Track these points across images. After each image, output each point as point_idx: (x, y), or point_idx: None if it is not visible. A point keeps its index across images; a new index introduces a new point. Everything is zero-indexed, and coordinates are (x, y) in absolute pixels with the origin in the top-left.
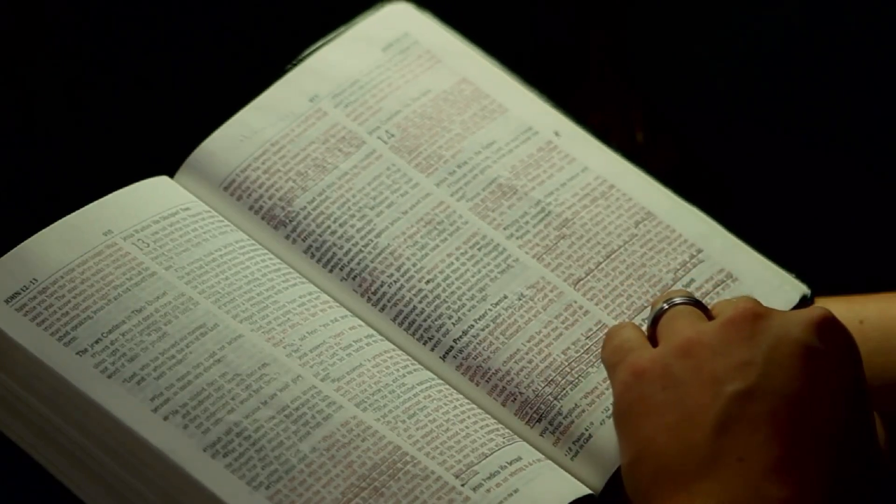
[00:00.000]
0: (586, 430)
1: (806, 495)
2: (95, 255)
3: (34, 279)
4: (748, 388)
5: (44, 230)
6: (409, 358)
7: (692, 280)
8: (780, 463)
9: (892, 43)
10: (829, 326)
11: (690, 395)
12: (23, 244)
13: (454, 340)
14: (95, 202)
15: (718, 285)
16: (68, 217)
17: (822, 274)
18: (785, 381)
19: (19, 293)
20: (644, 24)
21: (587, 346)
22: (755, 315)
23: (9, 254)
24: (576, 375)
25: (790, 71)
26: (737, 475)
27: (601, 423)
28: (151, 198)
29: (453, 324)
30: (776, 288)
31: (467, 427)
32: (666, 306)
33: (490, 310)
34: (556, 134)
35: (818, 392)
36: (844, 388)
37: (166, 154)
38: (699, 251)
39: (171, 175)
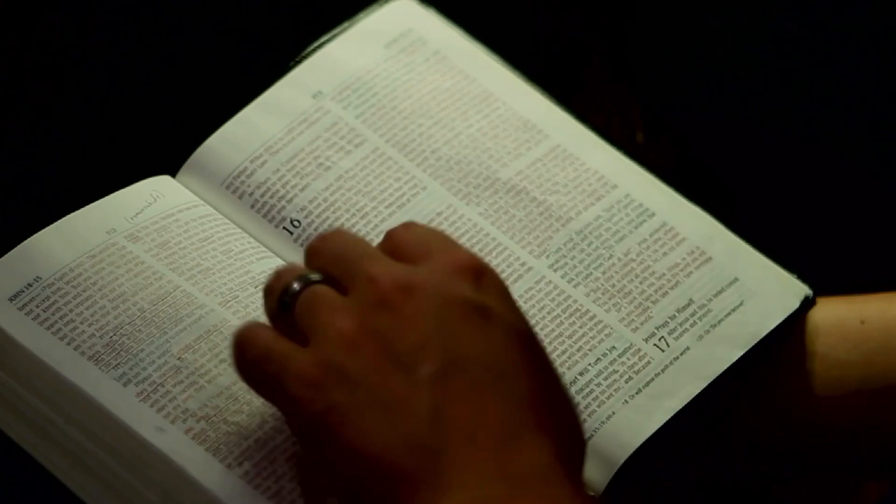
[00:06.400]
0: (587, 428)
1: (545, 450)
2: (98, 254)
3: (37, 277)
4: (440, 367)
5: (46, 229)
6: None
7: (694, 281)
8: (505, 429)
9: (892, 43)
10: (476, 271)
11: (384, 388)
12: (25, 243)
13: None
14: (98, 201)
15: (720, 286)
16: (71, 216)
17: (823, 273)
18: (469, 348)
19: (22, 292)
20: (644, 25)
21: (591, 346)
22: (403, 289)
23: (11, 252)
24: (573, 375)
25: (791, 72)
26: (470, 456)
27: (601, 424)
28: (154, 197)
29: None
30: (778, 289)
31: None
32: (297, 286)
33: None
34: (563, 136)
35: (503, 345)
36: (520, 329)
37: (169, 153)
38: (702, 253)
39: (174, 174)
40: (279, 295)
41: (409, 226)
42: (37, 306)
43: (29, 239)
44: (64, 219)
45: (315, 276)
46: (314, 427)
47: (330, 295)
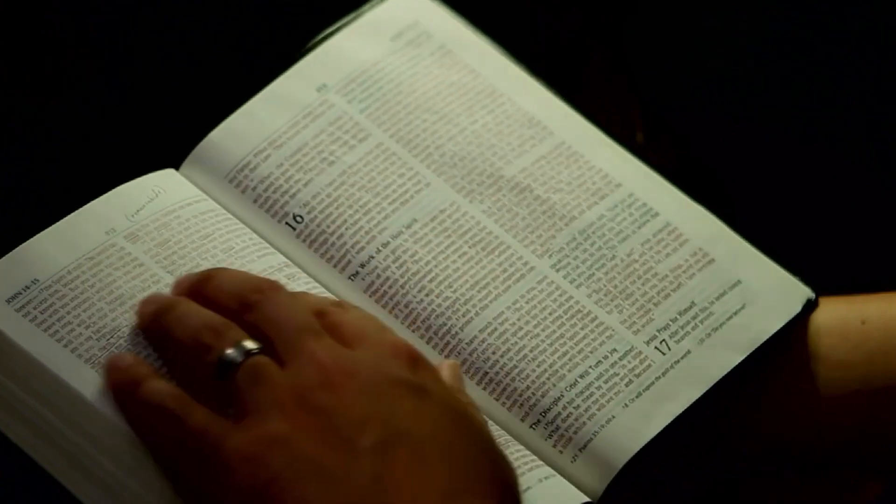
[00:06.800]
0: (587, 432)
1: None
2: (96, 256)
3: (35, 280)
4: (380, 439)
5: (45, 230)
6: None
7: (696, 283)
8: (447, 493)
9: (892, 43)
10: (411, 354)
11: (326, 459)
12: (24, 244)
13: (466, 344)
14: (98, 199)
15: (723, 289)
16: (70, 216)
17: (823, 273)
18: (408, 423)
19: (20, 293)
20: (645, 25)
21: (592, 348)
22: (344, 371)
23: (9, 254)
24: (574, 377)
25: (791, 72)
26: None
27: (600, 428)
28: (156, 192)
29: (461, 328)
30: (780, 292)
31: None
32: (238, 357)
33: (502, 313)
34: (568, 133)
35: (440, 420)
36: (455, 406)
37: (175, 146)
38: (705, 255)
39: (178, 166)
40: (216, 362)
41: (345, 307)
42: (34, 308)
43: (28, 241)
44: (64, 219)
45: (253, 346)
46: (253, 501)
47: (272, 369)
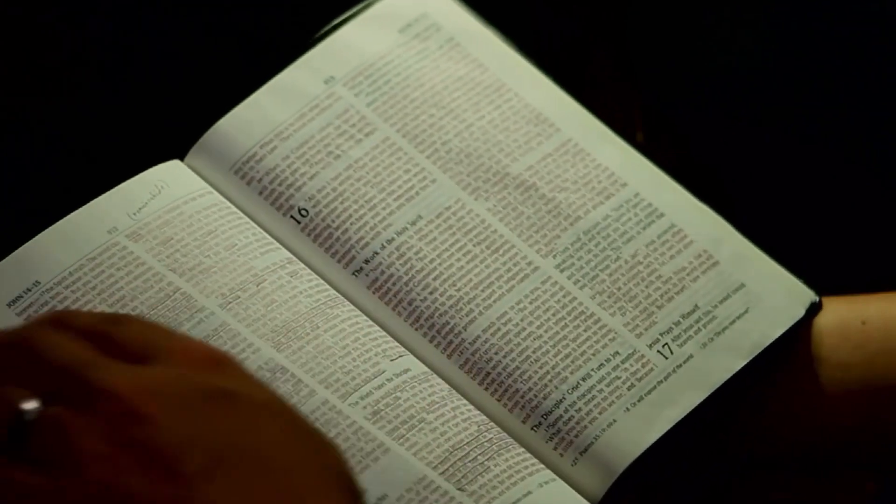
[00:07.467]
0: (588, 435)
1: None
2: (98, 256)
3: (36, 282)
4: (206, 461)
5: (47, 230)
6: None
7: (700, 286)
8: (297, 500)
9: (892, 43)
10: (212, 357)
11: (157, 497)
12: (25, 246)
13: (469, 343)
14: (99, 197)
15: (726, 292)
16: (71, 215)
17: (823, 273)
18: (227, 436)
19: (21, 296)
20: (647, 23)
21: (595, 351)
22: (145, 395)
23: (10, 256)
24: (576, 379)
25: (791, 71)
26: None
27: (602, 432)
28: (159, 188)
29: (464, 328)
30: (784, 296)
31: (460, 429)
32: (29, 408)
33: (506, 313)
34: (574, 130)
35: (258, 424)
36: (269, 404)
37: (181, 137)
38: (709, 257)
39: (184, 156)
40: (5, 432)
41: (121, 321)
42: (35, 311)
43: (28, 242)
44: (65, 219)
45: (34, 404)
46: None
47: (70, 418)
